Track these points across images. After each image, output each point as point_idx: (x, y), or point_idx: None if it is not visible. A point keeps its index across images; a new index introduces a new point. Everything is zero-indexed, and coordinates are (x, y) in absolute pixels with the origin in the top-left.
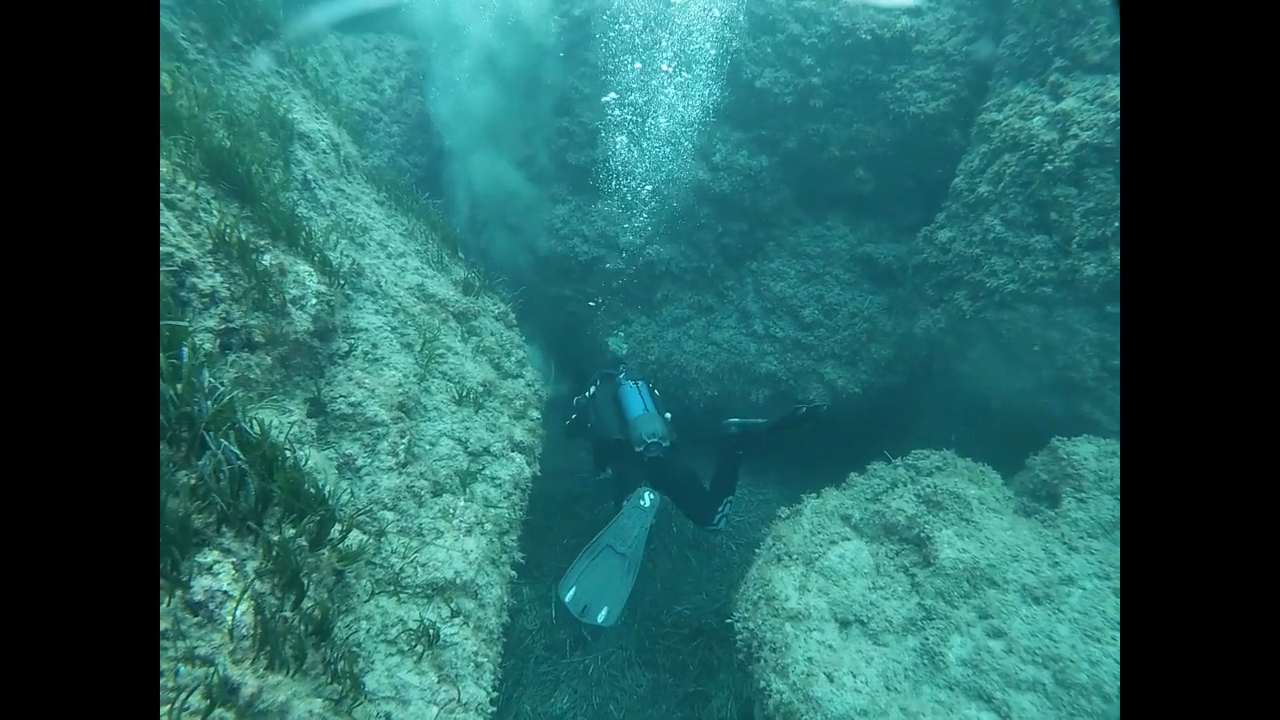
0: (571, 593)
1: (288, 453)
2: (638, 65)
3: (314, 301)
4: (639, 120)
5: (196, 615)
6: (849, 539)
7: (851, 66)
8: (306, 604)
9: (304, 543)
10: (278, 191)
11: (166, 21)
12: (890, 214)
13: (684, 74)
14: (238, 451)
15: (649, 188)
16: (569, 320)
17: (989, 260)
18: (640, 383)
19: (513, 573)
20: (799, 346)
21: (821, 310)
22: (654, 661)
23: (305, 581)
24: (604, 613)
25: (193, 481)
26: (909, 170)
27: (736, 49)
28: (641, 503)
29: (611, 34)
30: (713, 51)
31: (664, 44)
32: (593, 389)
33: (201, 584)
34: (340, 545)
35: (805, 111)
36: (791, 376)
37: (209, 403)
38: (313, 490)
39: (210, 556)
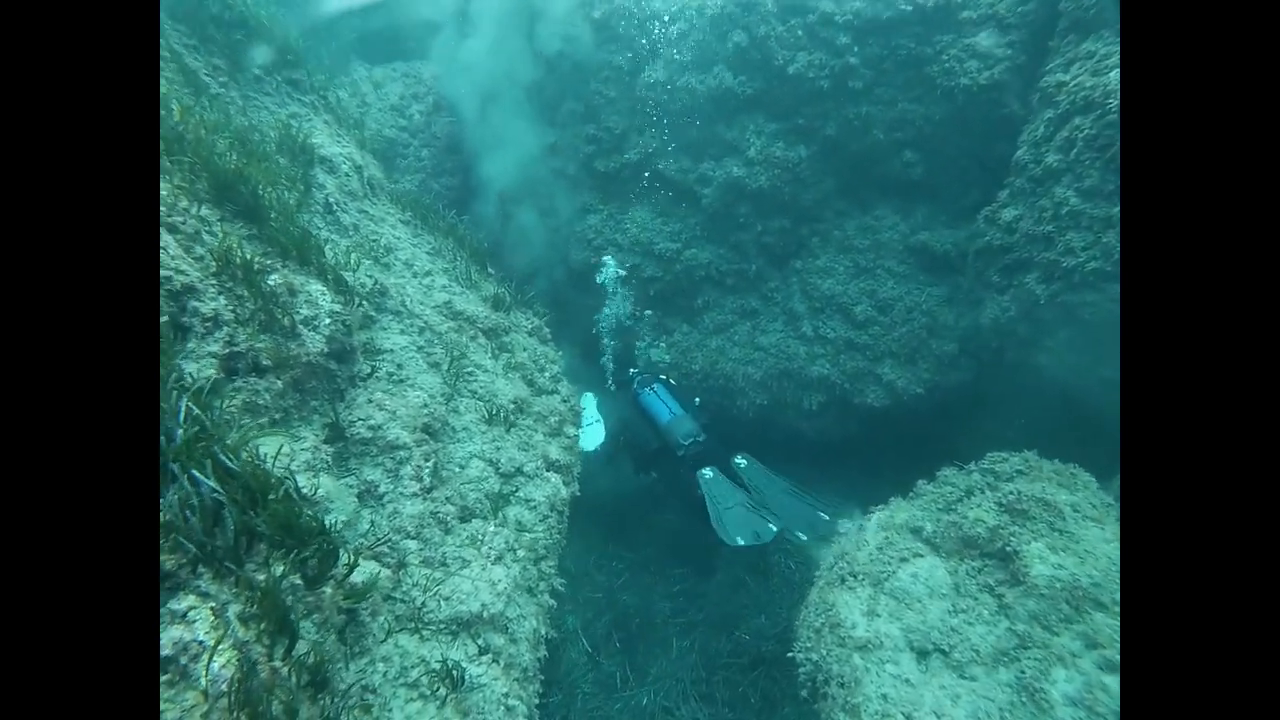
0: (739, 540)
1: (286, 482)
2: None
3: (328, 322)
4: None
5: (166, 672)
6: (922, 555)
7: (892, 41)
8: (300, 649)
9: (298, 580)
10: (292, 212)
11: (190, 60)
12: (944, 198)
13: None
14: (213, 484)
15: None
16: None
17: (1064, 237)
18: (656, 386)
19: (552, 601)
20: (852, 347)
21: (875, 306)
22: (711, 695)
23: (300, 624)
24: (769, 529)
25: (165, 519)
26: (963, 149)
27: (765, 34)
28: (706, 476)
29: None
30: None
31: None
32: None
33: (172, 635)
34: (346, 580)
35: (844, 95)
36: (846, 379)
37: (179, 431)
38: (312, 522)
39: (185, 602)
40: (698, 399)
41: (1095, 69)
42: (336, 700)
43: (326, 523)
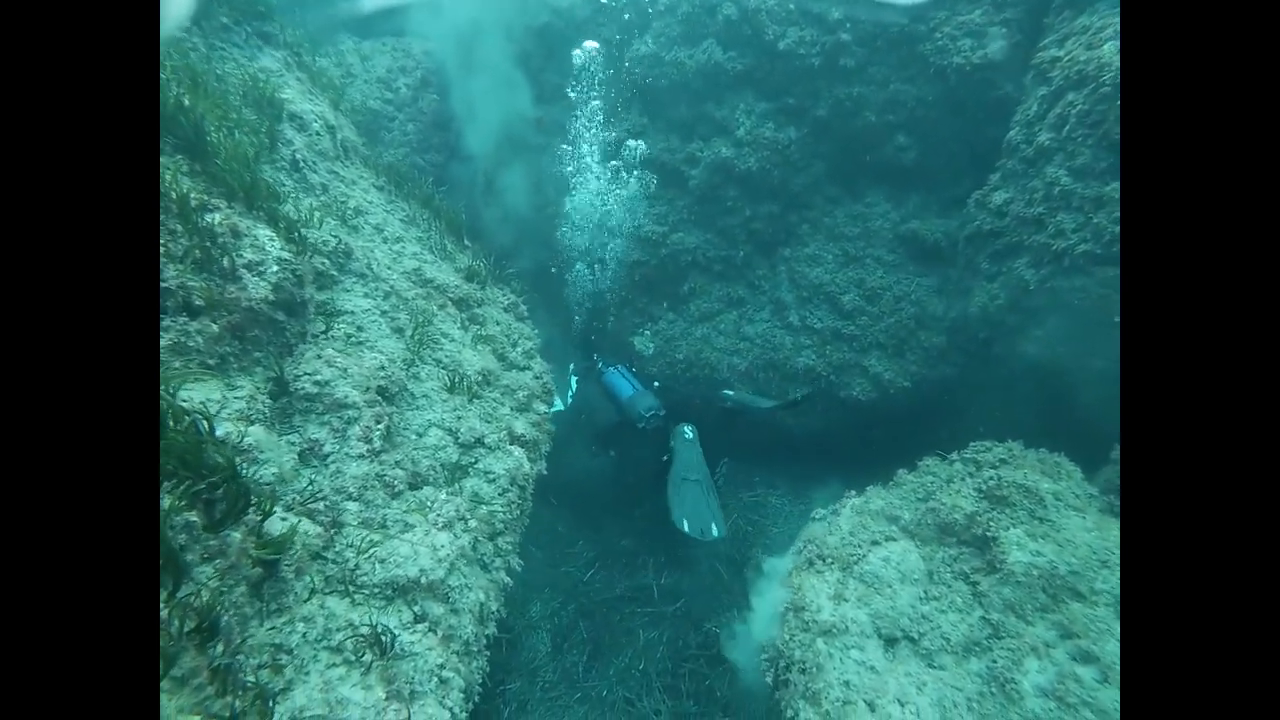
0: (685, 523)
1: (194, 415)
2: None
3: (275, 269)
4: None
5: None
6: (895, 539)
7: (885, 18)
8: (186, 590)
9: (195, 518)
10: (247, 158)
11: None
12: (937, 185)
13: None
14: None
15: None
16: (589, 317)
17: (1054, 218)
18: (619, 366)
19: (508, 580)
20: (839, 337)
21: (862, 295)
22: (677, 687)
23: (198, 568)
24: (714, 528)
25: None
26: (956, 133)
27: (755, 7)
28: (686, 436)
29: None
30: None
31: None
32: (574, 381)
33: None
34: (261, 528)
35: (836, 73)
36: (832, 371)
37: None
38: (219, 459)
39: None
40: (656, 383)
41: (1090, 42)
42: (232, 651)
43: (240, 465)
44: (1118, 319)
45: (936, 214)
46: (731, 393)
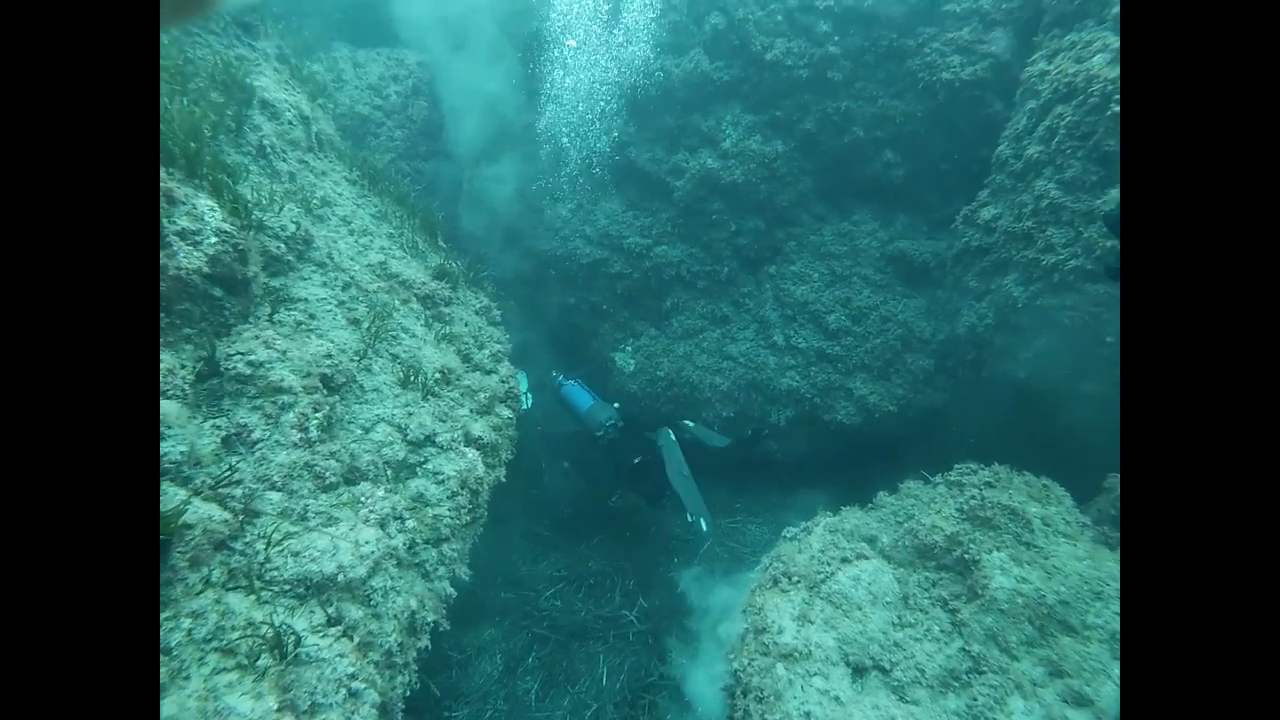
0: (704, 522)
1: None
2: None
3: (214, 240)
4: None
5: None
6: (866, 557)
7: (874, 32)
8: None
9: None
10: (199, 129)
11: None
12: (925, 205)
13: None
14: None
15: None
16: (573, 334)
17: (1044, 233)
18: (577, 379)
19: (451, 590)
20: (824, 358)
21: (848, 315)
22: (634, 719)
23: None
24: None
25: None
26: (945, 151)
27: (743, 17)
28: (670, 437)
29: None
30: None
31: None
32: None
33: None
34: None
35: (823, 86)
36: (816, 393)
37: None
38: None
39: None
40: (616, 404)
41: (1079, 56)
42: None
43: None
44: (1109, 339)
45: (925, 234)
46: (692, 424)
